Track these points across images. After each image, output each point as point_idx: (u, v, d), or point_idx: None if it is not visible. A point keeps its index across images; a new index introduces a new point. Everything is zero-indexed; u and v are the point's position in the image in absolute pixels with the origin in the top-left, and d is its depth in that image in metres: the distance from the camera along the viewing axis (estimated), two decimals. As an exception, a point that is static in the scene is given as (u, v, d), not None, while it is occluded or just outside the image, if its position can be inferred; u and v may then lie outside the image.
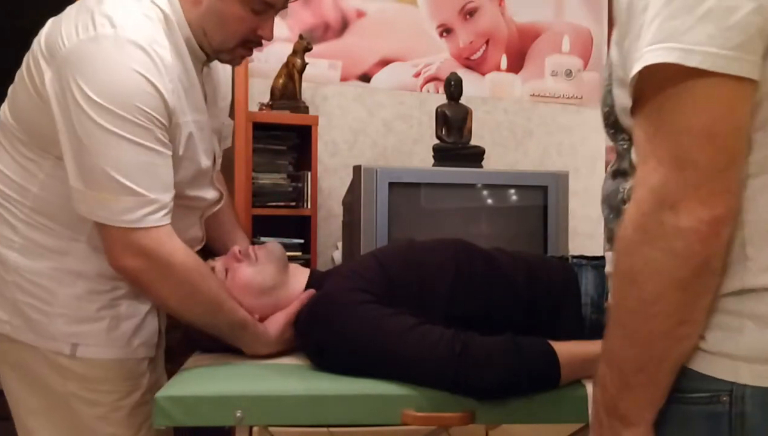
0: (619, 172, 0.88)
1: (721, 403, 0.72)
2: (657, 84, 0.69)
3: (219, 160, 1.42)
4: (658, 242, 0.68)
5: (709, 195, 0.66)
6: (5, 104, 1.23)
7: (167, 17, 1.17)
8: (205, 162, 1.29)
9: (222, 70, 1.43)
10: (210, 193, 1.36)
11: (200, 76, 1.28)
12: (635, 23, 0.71)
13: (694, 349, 0.74)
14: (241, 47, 1.26)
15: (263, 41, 1.26)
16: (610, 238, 0.90)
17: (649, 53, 0.68)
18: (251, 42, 1.26)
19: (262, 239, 2.25)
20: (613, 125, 0.86)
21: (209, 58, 1.28)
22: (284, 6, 1.24)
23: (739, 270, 0.71)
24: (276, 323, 1.32)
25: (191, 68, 1.23)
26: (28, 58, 1.17)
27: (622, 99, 0.79)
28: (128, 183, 1.10)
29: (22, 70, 1.18)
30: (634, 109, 0.73)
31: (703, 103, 0.67)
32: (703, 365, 0.74)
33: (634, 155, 0.79)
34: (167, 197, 1.16)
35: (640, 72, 0.69)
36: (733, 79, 0.65)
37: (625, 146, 0.85)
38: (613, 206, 0.89)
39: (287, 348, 1.34)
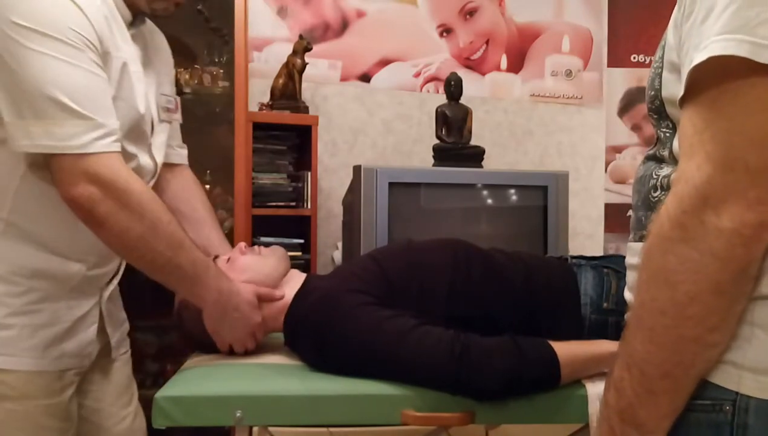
0: (656, 157, 0.83)
1: (724, 412, 0.69)
2: (717, 76, 0.64)
3: (161, 131, 1.34)
4: (697, 241, 0.65)
5: (757, 200, 0.63)
6: None
7: None
8: (141, 109, 1.22)
9: (161, 44, 1.40)
10: (144, 158, 1.27)
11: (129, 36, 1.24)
12: (703, 5, 0.67)
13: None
14: None
15: None
16: (635, 226, 0.86)
17: (716, 43, 0.63)
18: None
19: (262, 239, 2.25)
20: (656, 110, 0.81)
21: (135, 19, 1.25)
22: None
23: (761, 276, 0.68)
24: (243, 285, 1.26)
25: (120, 22, 1.21)
26: None
27: (671, 85, 0.75)
28: (72, 104, 1.05)
29: None
30: (686, 98, 0.69)
31: (764, 102, 0.63)
32: (708, 372, 0.71)
33: (676, 144, 0.75)
34: (113, 123, 1.10)
35: (702, 62, 0.64)
36: None
37: (668, 134, 0.80)
38: (642, 192, 0.84)
39: (257, 319, 1.27)
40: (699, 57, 0.65)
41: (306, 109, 2.41)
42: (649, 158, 0.85)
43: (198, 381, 1.17)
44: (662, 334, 0.69)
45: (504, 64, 3.00)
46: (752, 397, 0.68)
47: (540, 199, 2.30)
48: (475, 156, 2.44)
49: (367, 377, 1.15)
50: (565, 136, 3.10)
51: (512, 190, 2.34)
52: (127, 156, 1.19)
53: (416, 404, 1.11)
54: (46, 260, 1.16)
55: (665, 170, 0.80)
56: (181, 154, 1.50)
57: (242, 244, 1.38)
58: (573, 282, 1.28)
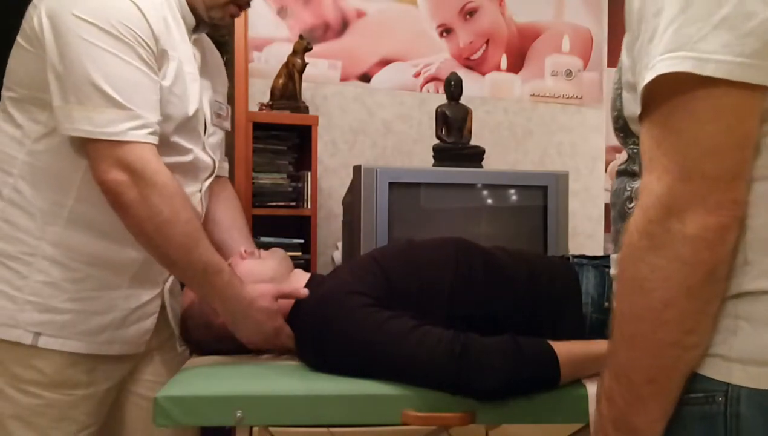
0: (627, 172, 0.87)
1: (716, 403, 0.71)
2: (667, 92, 0.68)
3: (213, 133, 1.39)
4: (665, 249, 0.68)
5: (717, 205, 0.66)
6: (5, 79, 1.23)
7: None
8: (193, 106, 1.27)
9: (219, 60, 1.49)
10: (201, 154, 1.32)
11: (189, 39, 1.32)
12: (647, 27, 0.70)
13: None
14: (231, 3, 1.31)
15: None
16: (615, 238, 0.89)
17: (661, 62, 0.67)
18: None
19: (262, 239, 2.25)
20: (622, 129, 0.85)
21: (198, 25, 1.32)
22: None
23: (738, 275, 0.71)
24: (260, 290, 1.26)
25: (182, 24, 1.28)
26: (23, 24, 1.18)
27: (631, 104, 0.78)
28: (112, 93, 1.11)
29: (18, 37, 1.19)
30: (643, 116, 0.72)
31: (713, 113, 0.66)
32: (698, 366, 0.73)
33: None
34: (152, 117, 1.15)
35: (651, 80, 0.68)
36: (747, 88, 0.64)
37: (635, 150, 0.84)
38: (617, 204, 0.87)
39: (274, 324, 1.27)
40: (648, 76, 0.68)
41: (306, 109, 2.41)
42: (620, 173, 0.89)
43: (198, 381, 1.17)
44: (643, 340, 0.72)
45: (504, 64, 3.00)
46: (743, 387, 0.70)
47: (540, 199, 2.30)
48: (475, 156, 2.44)
49: (367, 378, 1.15)
50: (565, 136, 3.10)
51: (512, 190, 2.34)
52: (181, 149, 1.26)
53: (416, 404, 1.11)
54: (105, 248, 1.22)
55: (638, 183, 0.82)
56: (224, 168, 1.55)
57: (242, 249, 1.38)
58: (575, 281, 1.28)
